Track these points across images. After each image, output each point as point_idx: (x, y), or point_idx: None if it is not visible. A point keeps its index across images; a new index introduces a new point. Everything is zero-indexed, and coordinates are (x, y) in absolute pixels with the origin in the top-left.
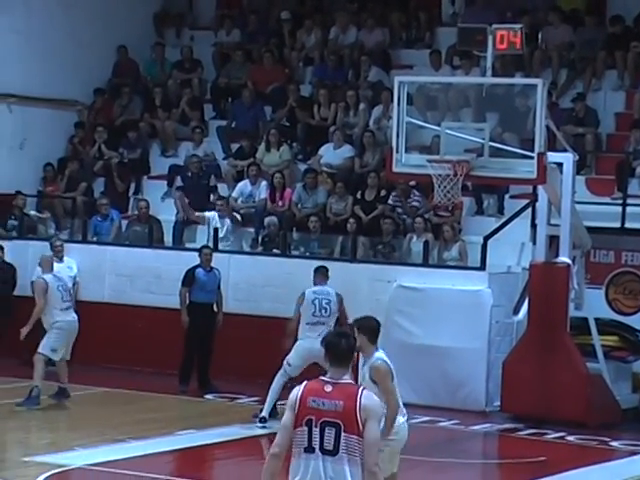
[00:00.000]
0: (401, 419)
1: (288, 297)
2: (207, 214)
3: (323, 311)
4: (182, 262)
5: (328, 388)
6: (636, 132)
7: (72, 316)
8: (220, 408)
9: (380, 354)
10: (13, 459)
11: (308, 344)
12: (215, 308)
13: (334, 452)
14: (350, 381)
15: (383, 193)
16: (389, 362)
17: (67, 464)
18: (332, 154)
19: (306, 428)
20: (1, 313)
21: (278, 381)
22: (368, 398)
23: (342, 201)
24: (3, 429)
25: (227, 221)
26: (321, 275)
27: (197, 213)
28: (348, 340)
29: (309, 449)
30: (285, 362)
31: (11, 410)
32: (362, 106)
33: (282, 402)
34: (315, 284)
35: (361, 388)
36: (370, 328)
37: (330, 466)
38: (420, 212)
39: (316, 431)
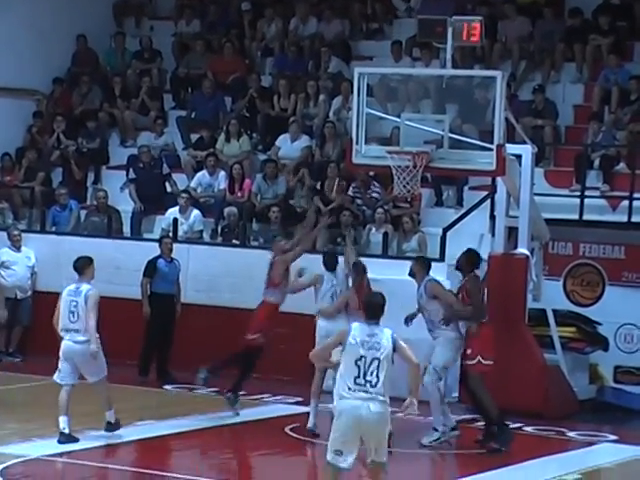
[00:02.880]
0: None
1: (247, 288)
2: None
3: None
4: (141, 253)
5: None
6: (594, 124)
7: None
8: (179, 399)
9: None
10: None
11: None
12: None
13: None
14: None
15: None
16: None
17: (25, 454)
18: (289, 146)
19: None
20: None
21: (434, 393)
22: None
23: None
24: None
25: (194, 210)
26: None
27: None
28: None
29: None
30: (432, 368)
31: None
32: (322, 97)
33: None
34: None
35: None
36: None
37: None
38: (379, 203)
39: None
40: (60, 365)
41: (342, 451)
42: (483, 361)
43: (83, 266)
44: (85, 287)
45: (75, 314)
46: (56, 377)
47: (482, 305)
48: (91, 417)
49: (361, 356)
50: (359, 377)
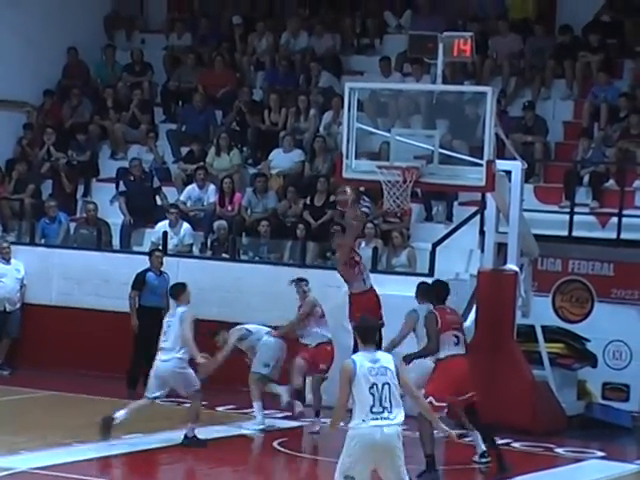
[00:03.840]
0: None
1: (236, 301)
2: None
3: None
4: (130, 265)
5: None
6: (584, 141)
7: None
8: (166, 412)
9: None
10: None
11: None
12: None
13: None
14: None
15: (332, 198)
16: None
17: (12, 467)
18: (282, 158)
19: None
20: None
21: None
22: None
23: (294, 205)
24: None
25: (184, 224)
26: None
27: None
28: None
29: None
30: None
31: None
32: (313, 111)
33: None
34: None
35: None
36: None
37: None
38: (369, 218)
39: None
40: (149, 381)
41: (354, 477)
42: (435, 402)
43: (177, 292)
44: (180, 309)
45: (167, 334)
46: (146, 393)
47: (431, 342)
48: (79, 430)
49: (373, 384)
50: (375, 405)
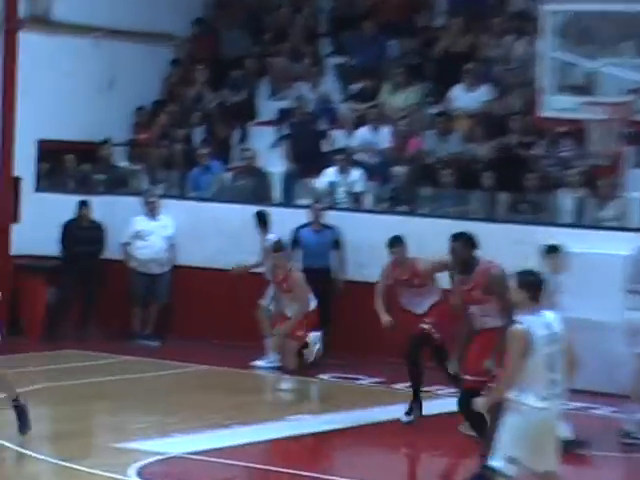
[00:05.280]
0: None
1: None
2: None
3: None
4: (293, 220)
5: None
6: None
7: None
8: (336, 390)
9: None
10: (103, 445)
11: None
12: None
13: None
14: None
15: (528, 140)
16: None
17: (163, 452)
18: (465, 97)
19: None
20: (89, 280)
21: None
22: None
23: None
24: (93, 411)
25: (354, 172)
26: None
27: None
28: None
29: None
30: None
31: (101, 390)
32: (505, 39)
33: None
34: None
35: None
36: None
37: None
38: (572, 164)
39: None
40: None
41: (516, 459)
42: None
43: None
44: None
45: None
46: None
47: None
48: (238, 410)
49: (546, 354)
50: (549, 381)
